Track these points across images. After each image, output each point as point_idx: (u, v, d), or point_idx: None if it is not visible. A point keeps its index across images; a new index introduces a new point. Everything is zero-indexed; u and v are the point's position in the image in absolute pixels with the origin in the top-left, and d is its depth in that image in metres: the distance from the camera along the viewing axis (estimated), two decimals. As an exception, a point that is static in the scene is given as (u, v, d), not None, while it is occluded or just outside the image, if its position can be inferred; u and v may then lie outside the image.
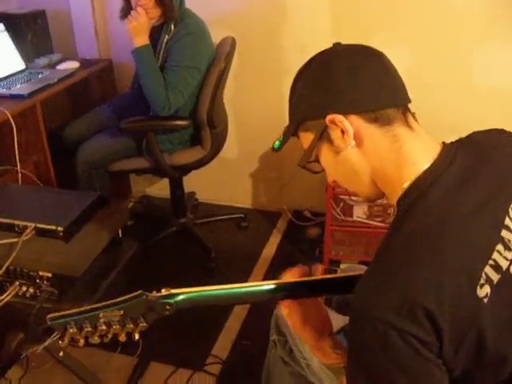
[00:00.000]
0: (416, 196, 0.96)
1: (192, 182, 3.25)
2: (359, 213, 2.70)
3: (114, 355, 2.24)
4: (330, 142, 1.04)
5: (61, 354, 1.91)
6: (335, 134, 1.02)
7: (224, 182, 3.41)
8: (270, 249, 3.04)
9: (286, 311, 1.21)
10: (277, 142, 1.15)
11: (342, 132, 1.00)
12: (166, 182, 3.11)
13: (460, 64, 2.71)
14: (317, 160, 1.10)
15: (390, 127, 1.00)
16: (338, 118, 0.99)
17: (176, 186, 3.00)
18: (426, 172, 0.97)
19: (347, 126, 0.99)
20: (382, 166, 1.02)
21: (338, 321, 1.32)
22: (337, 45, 1.09)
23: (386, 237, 0.96)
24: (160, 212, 3.36)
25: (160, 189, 3.51)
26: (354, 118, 1.00)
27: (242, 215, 3.28)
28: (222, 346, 2.33)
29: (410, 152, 1.00)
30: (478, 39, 2.64)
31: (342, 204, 2.71)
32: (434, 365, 0.87)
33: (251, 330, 2.40)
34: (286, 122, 1.14)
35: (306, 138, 1.08)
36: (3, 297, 1.60)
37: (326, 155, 1.08)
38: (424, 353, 0.86)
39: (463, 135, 1.09)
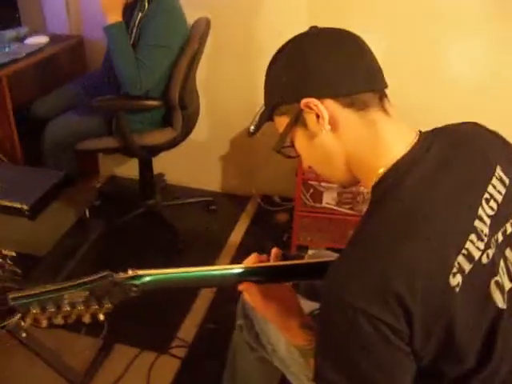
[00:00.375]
0: (392, 182, 0.95)
1: (161, 164, 3.22)
2: (328, 199, 2.70)
3: (78, 337, 2.21)
4: (305, 126, 1.03)
5: (23, 334, 1.87)
6: (310, 118, 1.01)
7: (194, 164, 3.38)
8: (238, 233, 3.03)
9: (246, 293, 1.20)
10: (252, 127, 1.14)
11: (317, 116, 0.99)
12: (134, 163, 3.07)
13: (431, 52, 2.71)
14: (292, 145, 1.09)
15: (366, 112, 0.99)
16: (313, 101, 0.98)
17: (145, 167, 2.96)
18: (402, 159, 0.97)
19: (322, 110, 0.98)
20: (357, 150, 1.01)
21: (306, 307, 1.32)
22: (313, 28, 1.08)
23: (361, 222, 0.97)
24: (128, 193, 3.32)
25: (129, 169, 3.46)
26: (329, 102, 0.99)
27: (211, 198, 3.26)
28: (188, 329, 2.32)
29: (385, 137, 1.00)
30: (449, 28, 2.64)
31: (311, 190, 2.70)
32: (404, 353, 0.88)
33: (217, 314, 2.40)
34: (259, 105, 1.13)
35: (281, 122, 1.07)
36: (-36, 275, 1.56)
37: (300, 140, 1.06)
38: (394, 341, 0.86)
39: (435, 122, 1.09)
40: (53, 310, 1.03)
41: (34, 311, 1.02)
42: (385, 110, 1.02)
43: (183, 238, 2.90)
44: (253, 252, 1.23)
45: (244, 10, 2.87)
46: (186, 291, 2.49)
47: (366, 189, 1.04)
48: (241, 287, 1.18)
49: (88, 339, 2.21)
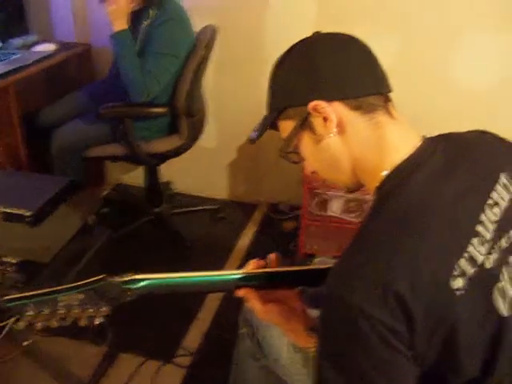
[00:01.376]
0: (395, 184, 0.95)
1: (168, 172, 3.22)
2: (334, 208, 2.69)
3: (82, 345, 2.20)
4: (312, 130, 1.02)
5: (25, 343, 1.87)
6: (317, 121, 1.00)
7: (201, 172, 3.38)
8: (244, 241, 3.01)
9: (245, 298, 1.17)
10: (253, 134, 1.13)
11: (325, 119, 0.99)
12: (141, 170, 3.07)
13: (440, 57, 2.70)
14: (296, 150, 1.08)
15: (372, 115, 0.99)
16: (321, 104, 0.98)
17: (152, 174, 2.96)
18: (407, 160, 0.97)
19: (330, 113, 0.98)
20: (363, 153, 1.01)
21: (311, 315, 1.30)
22: (317, 33, 1.07)
23: (362, 223, 0.95)
24: (135, 201, 3.32)
25: (135, 177, 3.46)
26: (336, 104, 0.98)
27: (218, 206, 3.26)
28: (193, 338, 2.30)
29: (391, 139, 0.99)
30: (459, 33, 2.63)
31: (316, 198, 2.69)
32: (404, 356, 0.86)
33: (223, 323, 2.38)
34: (265, 113, 1.12)
35: (286, 127, 1.06)
36: (-33, 283, 1.55)
37: (306, 144, 1.05)
38: (394, 343, 0.84)
39: (442, 128, 1.09)
40: (48, 312, 1.02)
41: (29, 314, 1.01)
42: (390, 113, 1.02)
43: (190, 245, 2.89)
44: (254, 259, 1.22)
45: (250, 18, 2.87)
46: (191, 299, 2.48)
47: (369, 191, 1.03)
48: (239, 293, 1.16)
49: (92, 348, 2.20)
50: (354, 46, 1.04)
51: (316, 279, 1.19)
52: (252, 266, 1.18)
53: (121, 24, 2.41)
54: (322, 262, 2.07)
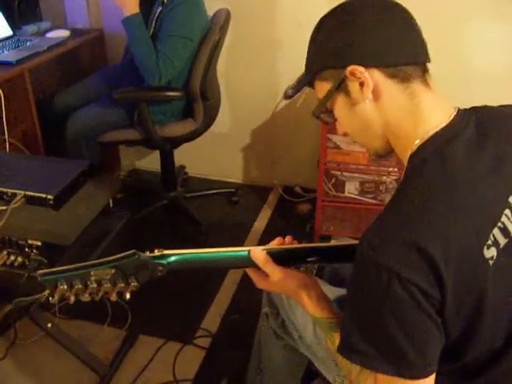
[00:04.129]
0: (431, 151, 0.95)
1: (183, 156, 3.23)
2: (351, 189, 2.69)
3: (103, 328, 2.23)
4: (347, 93, 1.03)
5: (49, 325, 1.89)
6: (353, 86, 1.01)
7: (215, 156, 3.38)
8: (260, 224, 3.02)
9: (257, 260, 1.15)
10: (290, 90, 1.13)
11: (361, 85, 1.00)
12: (156, 155, 3.08)
13: (455, 44, 2.68)
14: (330, 110, 1.09)
15: (408, 84, 1.00)
16: (360, 69, 0.98)
17: (167, 158, 2.97)
18: (442, 131, 0.97)
19: (368, 78, 0.98)
20: (397, 121, 1.01)
21: (330, 292, 1.31)
22: None
23: (397, 189, 0.97)
24: (150, 185, 3.34)
25: (150, 162, 3.48)
26: (374, 71, 0.99)
27: (233, 190, 3.26)
28: (212, 319, 2.32)
29: (425, 109, 1.00)
30: (474, 18, 2.61)
31: (333, 180, 2.69)
32: (434, 323, 0.87)
33: (241, 304, 2.39)
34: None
35: (322, 88, 1.06)
36: (-9, 266, 1.57)
37: (340, 106, 1.06)
38: (425, 306, 0.86)
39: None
40: (80, 286, 1.03)
41: (62, 287, 1.03)
42: (426, 84, 1.02)
43: (205, 229, 2.90)
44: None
45: (264, 1, 2.85)
46: (209, 282, 2.50)
47: (399, 158, 1.03)
48: (251, 252, 1.15)
49: (112, 330, 2.23)
50: (399, 13, 1.03)
51: (336, 256, 1.22)
52: (276, 242, 1.19)
53: (131, 8, 2.41)
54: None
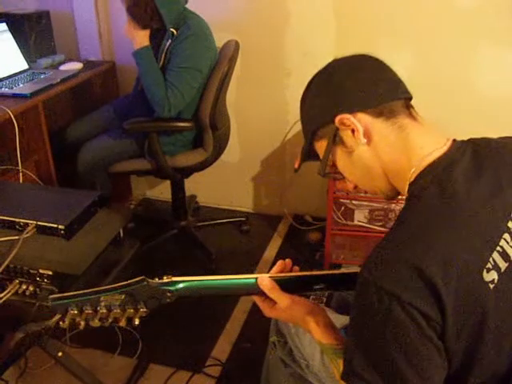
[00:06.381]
0: (431, 179, 0.98)
1: (193, 185, 3.26)
2: (360, 217, 2.69)
3: (113, 356, 2.24)
4: (343, 143, 1.08)
5: (59, 353, 1.90)
6: (346, 134, 1.06)
7: (225, 185, 3.41)
8: (270, 253, 3.03)
9: (264, 288, 1.16)
10: (296, 164, 1.21)
11: (353, 131, 1.04)
12: (166, 184, 3.11)
13: (462, 69, 2.71)
14: (334, 166, 1.14)
15: (395, 119, 1.04)
16: (346, 117, 1.03)
17: (177, 188, 2.99)
18: (440, 158, 1.00)
19: (356, 123, 1.03)
20: (391, 157, 1.05)
21: (338, 320, 1.31)
22: (333, 60, 1.14)
23: (399, 215, 1.00)
24: (161, 215, 3.36)
25: (161, 192, 3.51)
26: (360, 115, 1.04)
27: (243, 219, 3.28)
28: (222, 348, 2.32)
29: (415, 139, 1.03)
30: (479, 44, 2.64)
31: (342, 208, 2.70)
32: (434, 346, 0.88)
33: (251, 333, 2.39)
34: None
35: (322, 146, 1.12)
36: (3, 295, 1.58)
37: (340, 158, 1.11)
38: (426, 329, 0.87)
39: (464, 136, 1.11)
40: (90, 311, 1.06)
41: (72, 312, 1.05)
42: (412, 117, 1.06)
43: (216, 258, 2.91)
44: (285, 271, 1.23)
45: (271, 33, 2.91)
46: (219, 311, 2.50)
47: (402, 192, 1.06)
48: (259, 279, 1.16)
49: (123, 359, 2.23)
50: (368, 61, 1.11)
51: (343, 283, 1.23)
52: (278, 267, 1.21)
53: (141, 41, 2.47)
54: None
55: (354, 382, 0.94)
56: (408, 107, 1.07)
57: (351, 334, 0.96)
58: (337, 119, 1.04)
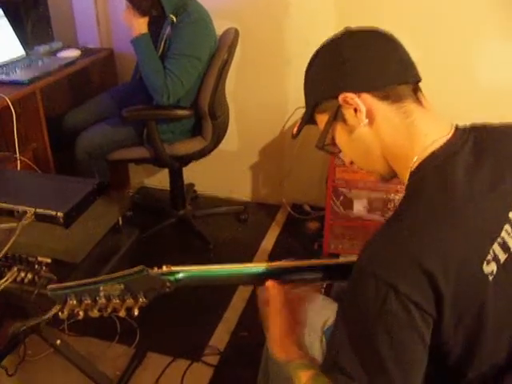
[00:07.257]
0: (431, 169, 0.97)
1: (191, 174, 3.24)
2: (359, 207, 2.69)
3: (111, 345, 2.24)
4: (344, 121, 1.06)
5: (58, 341, 1.90)
6: (348, 112, 1.04)
7: (223, 174, 3.40)
8: (268, 242, 3.02)
9: (269, 291, 1.18)
10: (295, 129, 1.19)
11: (355, 110, 1.03)
12: (165, 173, 3.10)
13: (463, 60, 2.70)
14: (333, 141, 1.13)
15: (401, 104, 1.02)
16: (350, 96, 1.02)
17: (175, 177, 2.99)
18: (441, 147, 0.99)
19: (359, 103, 1.02)
20: (393, 141, 1.04)
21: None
22: (345, 29, 1.11)
23: (398, 205, 0.99)
24: (159, 203, 3.35)
25: (159, 180, 3.50)
26: (365, 96, 1.02)
27: (241, 208, 3.28)
28: (220, 337, 2.32)
29: (421, 127, 1.02)
30: (482, 35, 2.63)
31: (341, 197, 2.70)
32: (422, 341, 0.88)
33: (249, 322, 2.39)
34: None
35: (322, 120, 1.10)
36: (1, 282, 1.57)
37: (340, 135, 1.10)
38: (419, 323, 0.86)
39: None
40: (89, 301, 1.05)
41: (71, 302, 1.05)
42: (419, 102, 1.04)
43: (214, 247, 2.91)
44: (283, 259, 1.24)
45: (272, 20, 2.89)
46: (217, 300, 2.50)
47: (400, 179, 1.05)
48: (268, 284, 1.18)
49: (121, 347, 2.23)
50: (381, 38, 1.08)
51: (341, 273, 1.21)
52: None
53: (139, 29, 2.46)
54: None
55: (335, 375, 0.93)
56: (416, 91, 1.05)
57: (340, 323, 0.95)
58: (340, 97, 1.03)
